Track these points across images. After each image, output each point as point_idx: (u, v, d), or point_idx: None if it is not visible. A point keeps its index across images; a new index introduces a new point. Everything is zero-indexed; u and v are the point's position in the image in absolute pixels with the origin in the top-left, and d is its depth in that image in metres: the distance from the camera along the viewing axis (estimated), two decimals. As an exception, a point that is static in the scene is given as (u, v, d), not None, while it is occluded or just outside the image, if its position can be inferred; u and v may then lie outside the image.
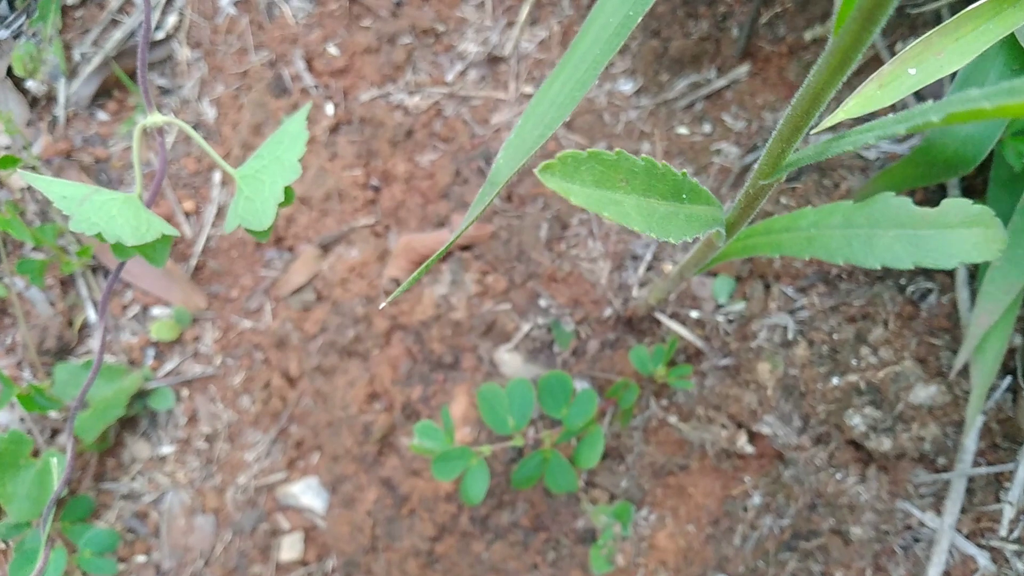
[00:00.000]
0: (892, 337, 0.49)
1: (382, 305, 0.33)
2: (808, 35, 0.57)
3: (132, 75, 0.72)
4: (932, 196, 0.54)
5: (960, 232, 0.34)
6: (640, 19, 0.33)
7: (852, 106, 0.26)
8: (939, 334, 0.49)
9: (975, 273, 0.50)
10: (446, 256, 0.64)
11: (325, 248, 0.67)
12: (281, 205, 0.40)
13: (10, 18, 0.75)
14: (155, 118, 0.40)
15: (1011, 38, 0.40)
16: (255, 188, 0.40)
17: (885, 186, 0.45)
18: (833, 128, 0.49)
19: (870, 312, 0.50)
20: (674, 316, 0.56)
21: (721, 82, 0.60)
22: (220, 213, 0.69)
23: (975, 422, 0.47)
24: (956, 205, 0.34)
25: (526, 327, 0.60)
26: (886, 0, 0.19)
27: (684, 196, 0.28)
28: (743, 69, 0.59)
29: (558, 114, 0.37)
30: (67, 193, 0.37)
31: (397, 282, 0.64)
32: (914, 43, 0.29)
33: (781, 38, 0.58)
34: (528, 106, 0.40)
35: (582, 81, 0.38)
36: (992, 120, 0.41)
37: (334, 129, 0.69)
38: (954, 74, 0.45)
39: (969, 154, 0.42)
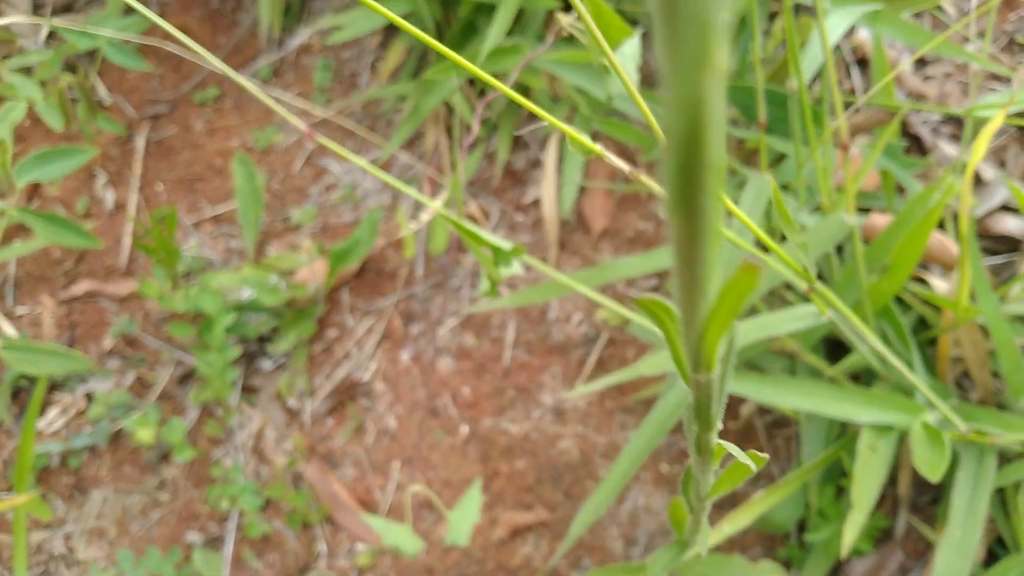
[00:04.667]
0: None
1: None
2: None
3: (352, 399, 1.25)
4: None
5: None
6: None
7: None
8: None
9: None
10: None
11: (458, 514, 1.17)
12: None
13: (276, 357, 1.30)
14: (416, 488, 0.91)
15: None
16: (459, 520, 0.90)
17: (756, 528, 0.95)
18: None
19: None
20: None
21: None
22: (397, 487, 1.20)
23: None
24: (766, 565, 0.83)
25: None
26: None
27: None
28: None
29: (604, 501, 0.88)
30: (387, 529, 0.88)
31: (501, 540, 1.14)
32: (736, 511, 0.79)
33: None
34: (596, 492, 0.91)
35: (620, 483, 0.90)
36: (794, 507, 0.91)
37: (466, 441, 1.21)
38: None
39: (787, 525, 0.92)
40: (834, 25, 0.79)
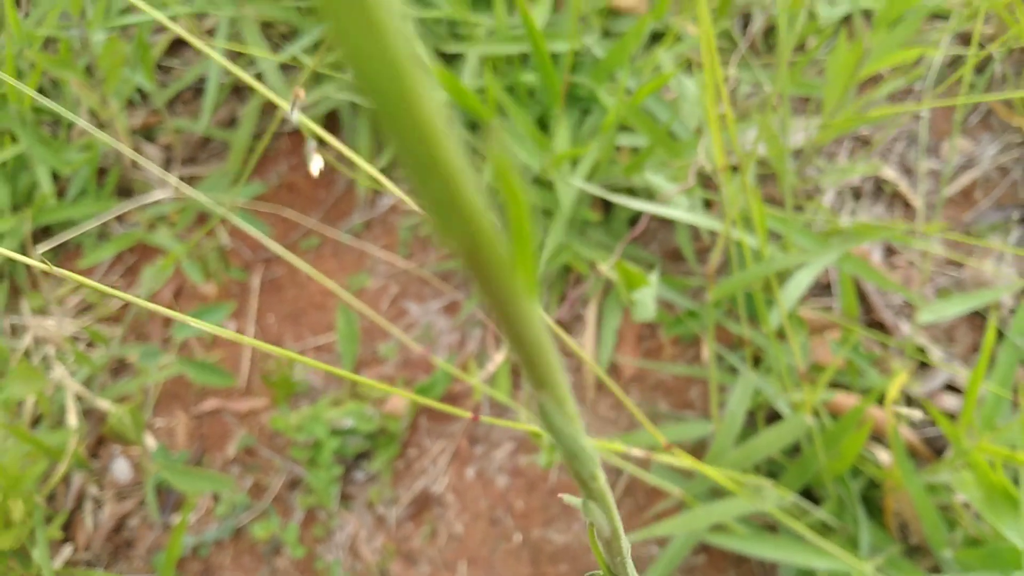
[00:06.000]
0: None
1: None
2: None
3: (427, 507, 1.56)
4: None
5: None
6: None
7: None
8: None
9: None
10: (571, 621, 1.43)
11: (513, 607, 1.48)
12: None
13: (368, 471, 1.62)
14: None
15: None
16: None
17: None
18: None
19: None
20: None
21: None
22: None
23: None
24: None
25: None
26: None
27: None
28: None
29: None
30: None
31: (547, 631, 1.44)
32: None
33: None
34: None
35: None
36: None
37: (520, 547, 1.51)
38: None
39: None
40: (800, 280, 1.09)
